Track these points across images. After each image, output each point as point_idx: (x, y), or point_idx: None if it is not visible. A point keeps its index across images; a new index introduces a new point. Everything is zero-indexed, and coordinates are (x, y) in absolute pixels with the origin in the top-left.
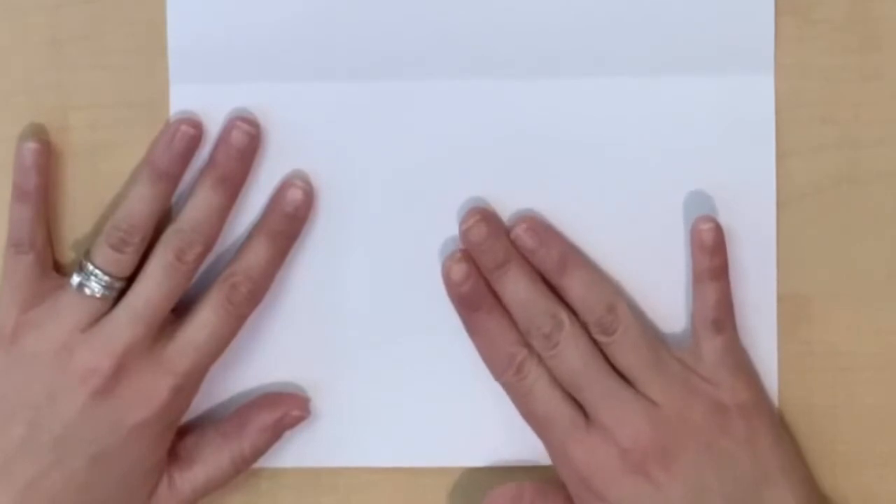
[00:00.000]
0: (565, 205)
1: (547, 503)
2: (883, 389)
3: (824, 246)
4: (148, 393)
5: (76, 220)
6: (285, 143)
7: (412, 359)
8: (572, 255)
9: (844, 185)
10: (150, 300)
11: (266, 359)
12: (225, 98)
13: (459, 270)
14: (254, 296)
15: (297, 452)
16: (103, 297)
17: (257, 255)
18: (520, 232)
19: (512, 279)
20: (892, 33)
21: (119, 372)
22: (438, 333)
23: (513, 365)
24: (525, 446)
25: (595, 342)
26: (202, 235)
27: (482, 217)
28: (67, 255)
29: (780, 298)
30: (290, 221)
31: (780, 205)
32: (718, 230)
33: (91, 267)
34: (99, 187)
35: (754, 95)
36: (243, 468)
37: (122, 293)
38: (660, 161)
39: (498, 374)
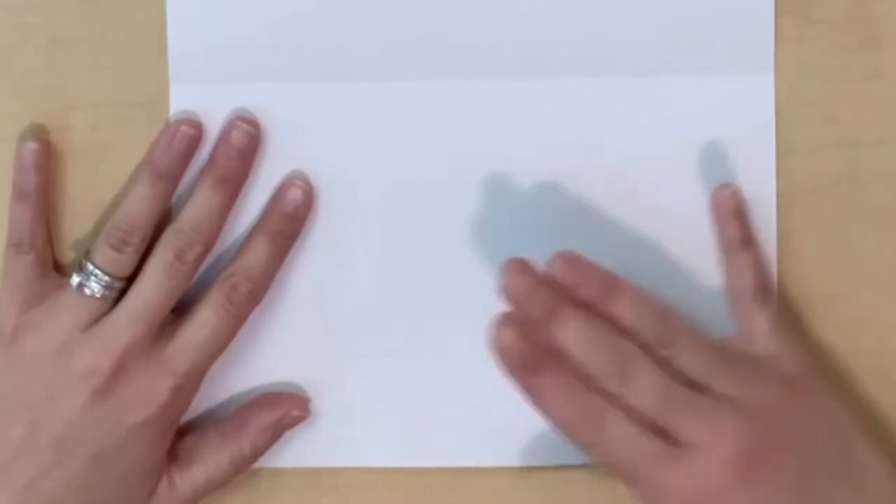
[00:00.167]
0: (565, 205)
1: None
2: (883, 389)
3: (824, 246)
4: (148, 393)
5: (76, 220)
6: (285, 143)
7: (412, 359)
8: (611, 278)
9: (844, 185)
10: (150, 300)
11: (266, 359)
12: (225, 98)
13: (509, 334)
14: (254, 296)
15: (297, 452)
16: (103, 297)
17: (257, 255)
18: (559, 270)
19: (569, 323)
20: (892, 33)
21: (119, 372)
22: (438, 333)
23: (591, 421)
24: (525, 447)
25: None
26: (202, 235)
27: (521, 267)
28: (67, 255)
29: (780, 298)
30: (290, 221)
31: (780, 205)
32: (740, 194)
33: (91, 267)
34: (99, 187)
35: (754, 95)
36: (243, 468)
37: (122, 293)
38: (660, 161)
39: (576, 434)
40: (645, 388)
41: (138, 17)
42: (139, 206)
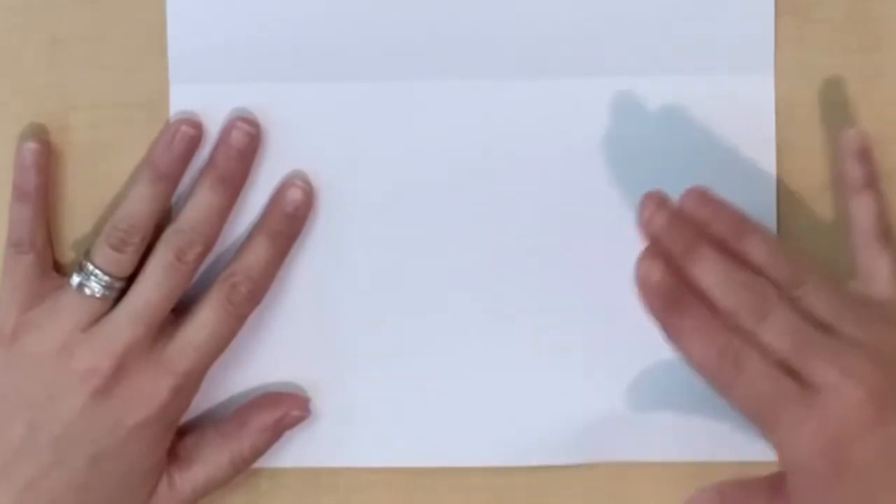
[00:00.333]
0: (566, 204)
1: (751, 496)
2: None
3: (824, 246)
4: (148, 393)
5: (76, 220)
6: (285, 143)
7: (412, 359)
8: (743, 215)
9: None
10: (150, 300)
11: (266, 359)
12: (225, 98)
13: (658, 269)
14: (254, 296)
15: (297, 452)
16: (103, 297)
17: (257, 255)
18: (692, 206)
19: (707, 259)
20: (892, 33)
21: (119, 372)
22: (439, 333)
23: (729, 356)
24: (525, 447)
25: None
26: (202, 235)
27: (660, 201)
28: (67, 255)
29: None
30: (290, 221)
31: (780, 205)
32: (866, 136)
33: (91, 267)
34: (99, 187)
35: (754, 95)
36: (243, 468)
37: (122, 293)
38: (660, 161)
39: (715, 372)
40: (779, 327)
41: (138, 17)
42: (139, 206)
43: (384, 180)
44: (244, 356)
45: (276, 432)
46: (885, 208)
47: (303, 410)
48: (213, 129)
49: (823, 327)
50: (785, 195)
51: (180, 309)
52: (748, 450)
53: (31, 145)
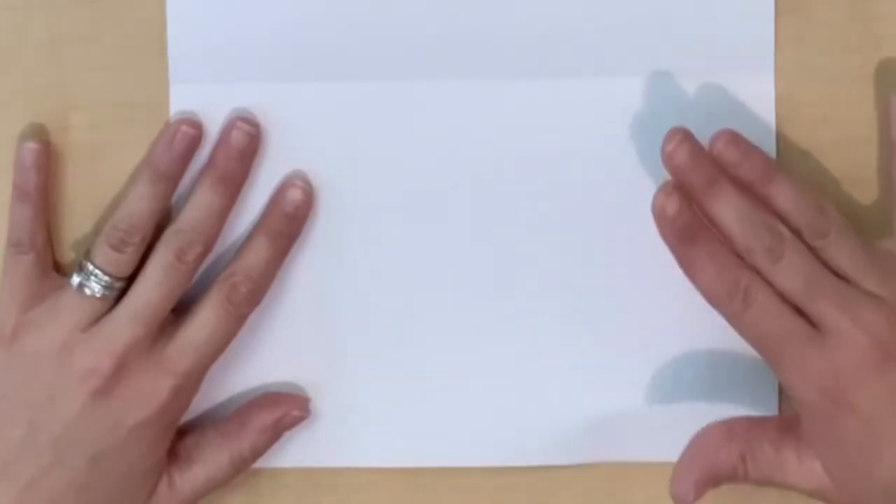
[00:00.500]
0: (566, 205)
1: (761, 432)
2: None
3: None
4: (148, 393)
5: (76, 220)
6: (285, 143)
7: (412, 359)
8: (772, 161)
9: (844, 185)
10: (150, 300)
11: (266, 359)
12: (225, 98)
13: (674, 203)
14: (254, 296)
15: (297, 452)
16: (103, 297)
17: (257, 255)
18: (721, 147)
19: (725, 196)
20: (892, 33)
21: (119, 372)
22: (439, 333)
23: (739, 291)
24: (525, 447)
25: (809, 248)
26: (202, 235)
27: (684, 136)
28: (67, 255)
29: None
30: (290, 221)
31: None
32: None
33: (91, 267)
34: (99, 187)
35: (754, 95)
36: (243, 468)
37: (122, 293)
38: (660, 161)
39: (724, 304)
40: (793, 269)
41: (138, 17)
42: (139, 206)
43: (384, 180)
44: (244, 356)
45: (276, 432)
46: None
47: (303, 410)
48: (213, 129)
49: (843, 279)
50: None
51: (180, 309)
52: None
53: (31, 145)
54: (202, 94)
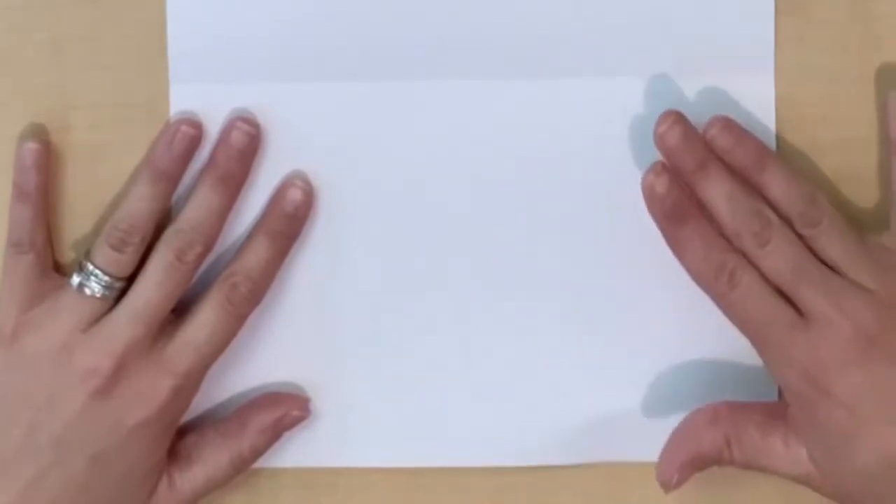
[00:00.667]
0: (565, 205)
1: (746, 417)
2: None
3: None
4: (148, 393)
5: (76, 220)
6: (285, 143)
7: (412, 359)
8: (767, 149)
9: (844, 184)
10: (150, 300)
11: (266, 359)
12: (225, 98)
13: (663, 183)
14: (254, 296)
15: (297, 452)
16: (103, 297)
17: (257, 255)
18: (715, 132)
19: (715, 179)
20: (892, 33)
21: (119, 372)
22: (439, 333)
23: (724, 272)
24: (525, 447)
25: (799, 237)
26: (202, 235)
27: (676, 118)
28: (67, 255)
29: None
30: (290, 221)
31: None
32: None
33: (91, 267)
34: (99, 187)
35: (754, 95)
36: (243, 468)
37: (122, 293)
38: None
39: (709, 285)
40: (779, 254)
41: (138, 17)
42: (139, 206)
43: (384, 180)
44: (244, 356)
45: (276, 432)
46: None
47: (303, 410)
48: (213, 129)
49: (831, 269)
50: None
51: (180, 309)
52: None
53: (31, 145)
54: (202, 94)
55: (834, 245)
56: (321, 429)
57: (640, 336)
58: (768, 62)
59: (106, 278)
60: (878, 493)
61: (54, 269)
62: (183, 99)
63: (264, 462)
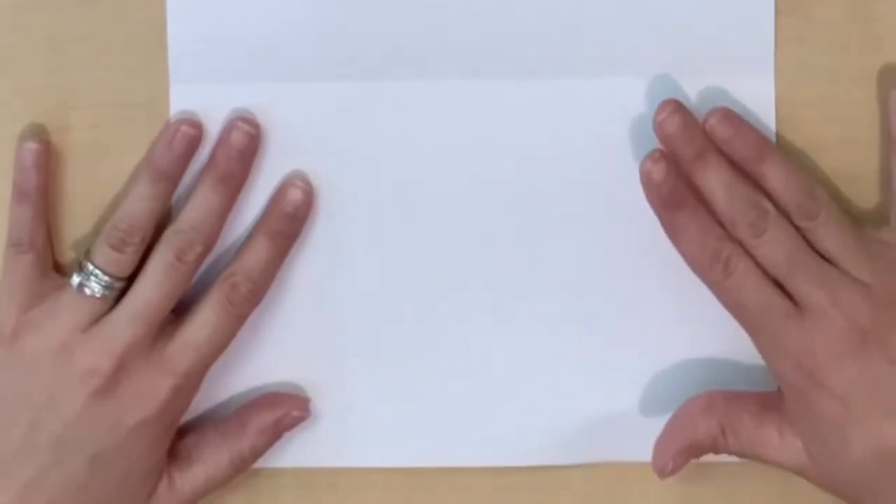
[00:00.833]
0: (565, 206)
1: (740, 406)
2: None
3: None
4: (148, 393)
5: (76, 220)
6: (285, 143)
7: (412, 359)
8: (767, 141)
9: (844, 184)
10: (150, 300)
11: (266, 359)
12: (225, 98)
13: (660, 170)
14: (254, 296)
15: (297, 452)
16: (103, 297)
17: (257, 255)
18: (714, 122)
19: (713, 168)
20: (892, 33)
21: (119, 372)
22: (439, 333)
23: (720, 260)
24: (525, 447)
25: (797, 229)
26: (202, 235)
27: (676, 107)
28: (67, 255)
29: None
30: (290, 221)
31: None
32: None
33: (91, 267)
34: (99, 187)
35: (754, 95)
36: (243, 468)
37: (122, 293)
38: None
39: (705, 272)
40: (775, 244)
41: (138, 17)
42: (139, 206)
43: (384, 180)
44: (244, 356)
45: (276, 433)
46: None
47: (303, 410)
48: (213, 129)
49: (828, 261)
50: None
51: (180, 309)
52: None
53: (31, 145)
54: (202, 94)
55: (831, 238)
56: (321, 429)
57: (639, 336)
58: (768, 62)
59: (106, 278)
60: (871, 485)
61: (54, 269)
62: (183, 99)
63: (264, 462)
